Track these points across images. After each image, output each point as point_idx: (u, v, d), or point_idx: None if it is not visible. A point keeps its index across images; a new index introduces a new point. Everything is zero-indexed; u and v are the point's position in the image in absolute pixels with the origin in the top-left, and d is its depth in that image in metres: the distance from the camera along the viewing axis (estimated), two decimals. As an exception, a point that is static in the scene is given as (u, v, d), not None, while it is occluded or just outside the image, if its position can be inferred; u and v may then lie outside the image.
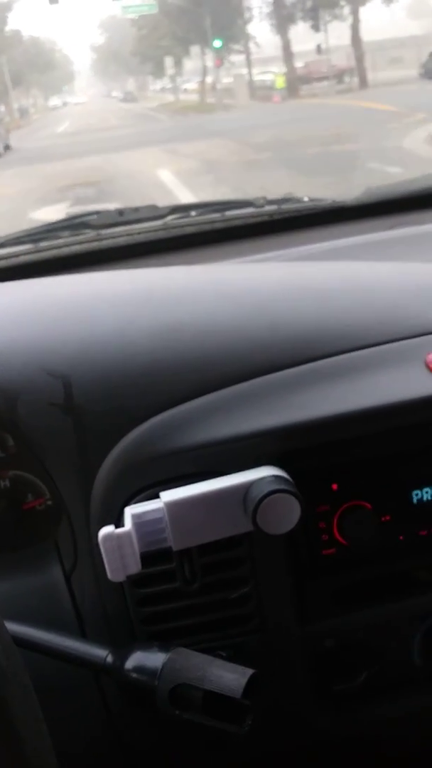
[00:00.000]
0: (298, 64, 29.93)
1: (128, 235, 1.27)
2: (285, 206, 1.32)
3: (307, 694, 0.76)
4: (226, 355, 0.73)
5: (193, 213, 1.32)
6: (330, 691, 0.76)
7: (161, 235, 1.27)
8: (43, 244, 1.25)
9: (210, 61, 32.14)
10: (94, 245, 1.24)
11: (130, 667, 0.64)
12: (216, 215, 1.31)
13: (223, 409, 0.70)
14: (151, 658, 0.63)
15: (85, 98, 74.37)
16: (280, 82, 27.29)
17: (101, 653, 0.65)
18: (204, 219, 1.31)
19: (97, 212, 1.35)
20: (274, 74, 29.02)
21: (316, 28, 29.38)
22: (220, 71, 29.31)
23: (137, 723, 0.74)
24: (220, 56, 30.01)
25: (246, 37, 32.42)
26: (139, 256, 1.22)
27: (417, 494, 0.73)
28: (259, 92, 28.65)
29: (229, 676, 0.60)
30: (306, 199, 1.36)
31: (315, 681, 0.76)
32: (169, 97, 40.80)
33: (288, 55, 28.30)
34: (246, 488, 0.65)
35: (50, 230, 1.30)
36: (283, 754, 0.78)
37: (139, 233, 1.27)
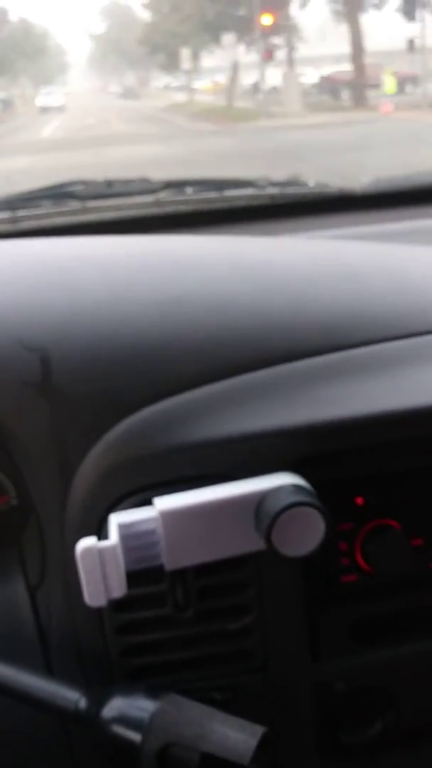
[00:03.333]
0: (337, 68, 25.90)
1: (117, 209, 1.17)
2: (289, 189, 1.24)
3: (312, 745, 0.64)
4: (239, 337, 0.62)
5: (188, 190, 1.23)
6: (338, 744, 0.65)
7: (153, 211, 1.18)
8: (22, 213, 1.14)
9: (240, 54, 26.82)
10: (79, 218, 1.14)
11: (108, 717, 0.51)
12: (213, 194, 1.21)
13: (234, 402, 0.59)
14: (136, 707, 0.51)
15: (70, 89, 72.97)
16: (392, 85, 20.31)
17: (72, 696, 0.53)
18: (200, 197, 1.21)
19: (84, 182, 1.24)
20: (385, 72, 21.60)
21: (409, 15, 21.37)
22: (264, 66, 21.88)
23: None
24: (269, 47, 22.82)
25: (290, 29, 24.35)
26: (127, 232, 1.12)
27: None
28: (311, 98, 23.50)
29: (235, 736, 0.48)
30: (311, 183, 1.27)
31: (322, 731, 0.64)
32: (178, 97, 36.83)
33: (358, 52, 21.59)
34: (259, 498, 0.54)
35: (30, 198, 1.19)
36: None
37: (128, 208, 1.17)
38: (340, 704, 0.64)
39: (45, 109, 31.90)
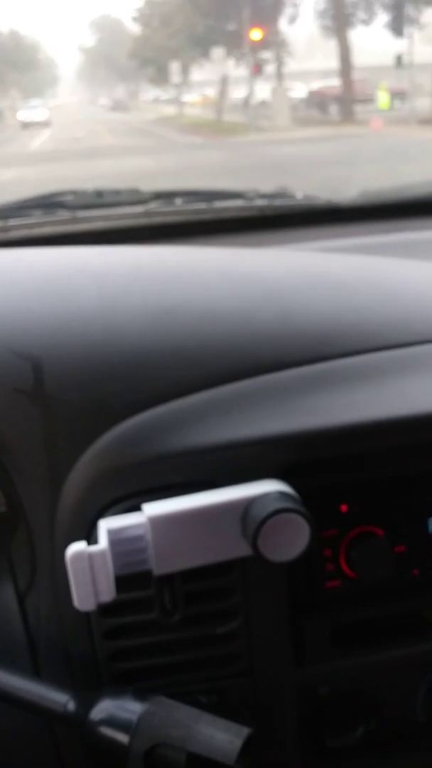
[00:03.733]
0: (325, 83, 25.51)
1: (106, 219, 1.18)
2: (277, 201, 1.25)
3: (295, 748, 0.65)
4: (227, 346, 0.63)
5: (178, 201, 1.24)
6: (321, 747, 0.65)
7: (142, 222, 1.18)
8: (12, 222, 1.14)
9: (229, 68, 26.75)
10: (69, 228, 1.15)
11: (96, 719, 0.52)
12: (202, 205, 1.22)
13: (221, 410, 0.60)
14: (124, 709, 0.52)
15: (60, 102, 72.03)
16: (385, 101, 19.61)
17: (61, 698, 0.54)
18: (189, 208, 1.23)
19: (74, 192, 1.25)
20: (379, 88, 20.90)
21: (397, 31, 21.08)
22: (253, 81, 22.33)
23: None
24: (258, 61, 23.27)
25: (279, 44, 25.29)
26: (117, 242, 1.13)
27: None
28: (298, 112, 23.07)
29: (221, 737, 0.49)
30: (299, 195, 1.29)
31: (306, 734, 0.65)
32: (168, 110, 36.70)
33: (346, 67, 21.66)
34: (245, 505, 0.55)
35: (20, 207, 1.20)
36: None
37: (118, 218, 1.18)
38: (324, 708, 0.65)
39: (27, 125, 29.98)
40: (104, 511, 0.57)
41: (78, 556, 0.52)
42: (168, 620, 0.59)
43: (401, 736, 0.67)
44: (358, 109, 21.86)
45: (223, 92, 26.32)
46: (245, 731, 0.50)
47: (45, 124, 30.01)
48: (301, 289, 0.72)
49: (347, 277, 0.76)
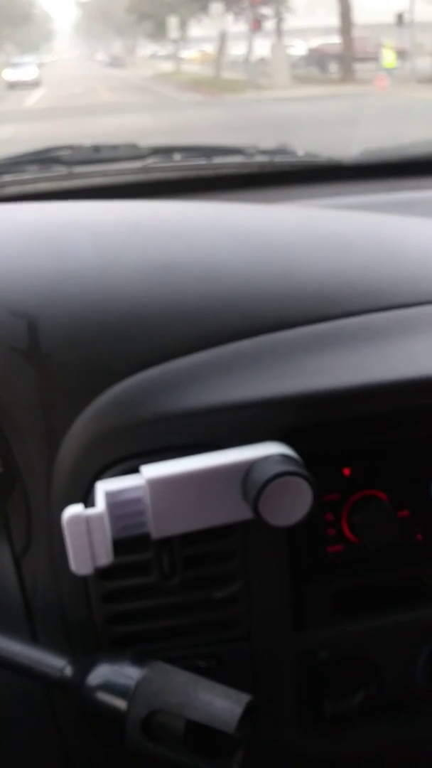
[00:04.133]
0: (325, 40, 24.56)
1: (104, 175, 1.14)
2: (278, 158, 1.21)
3: (294, 714, 0.64)
4: (228, 305, 0.61)
5: (176, 156, 1.21)
6: (320, 712, 0.65)
7: (141, 177, 1.15)
8: (7, 177, 1.11)
9: (228, 24, 25.42)
10: (65, 183, 1.12)
11: (93, 684, 0.51)
12: (202, 161, 1.19)
13: (222, 370, 0.58)
14: (122, 674, 0.51)
15: (55, 57, 70.22)
16: (391, 59, 17.41)
17: (58, 663, 0.53)
18: (188, 164, 1.19)
19: (71, 147, 1.21)
20: (385, 46, 18.42)
21: None
22: (252, 37, 21.25)
23: (97, 754, 0.62)
24: (258, 17, 22.08)
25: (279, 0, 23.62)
26: (114, 198, 1.11)
27: None
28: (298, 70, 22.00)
29: (221, 704, 0.48)
30: (300, 152, 1.26)
31: (305, 699, 0.64)
32: (165, 66, 35.35)
33: (347, 24, 20.48)
34: (247, 468, 0.53)
35: (15, 163, 1.16)
36: None
37: (116, 174, 1.15)
38: (323, 673, 0.64)
39: (14, 85, 27.01)
40: (101, 473, 0.56)
41: (75, 519, 0.51)
42: (166, 584, 0.58)
43: (401, 701, 0.67)
44: (359, 67, 21.44)
45: (221, 49, 25.71)
46: (245, 698, 0.49)
47: (34, 84, 27.68)
48: (304, 246, 0.69)
49: (351, 235, 0.74)
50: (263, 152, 1.23)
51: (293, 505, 0.52)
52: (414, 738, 0.68)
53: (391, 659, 0.65)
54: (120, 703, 0.49)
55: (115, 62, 47.62)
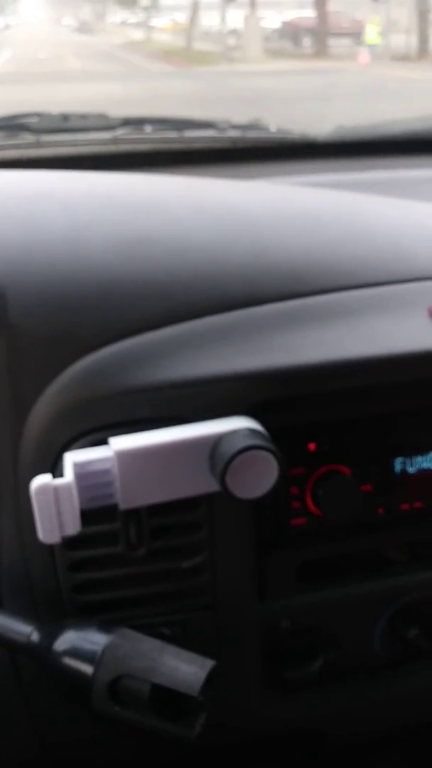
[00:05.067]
0: (299, 13, 24.39)
1: (72, 144, 1.13)
2: (250, 133, 1.21)
3: (257, 680, 0.66)
4: (199, 280, 0.61)
5: (147, 128, 1.19)
6: (280, 679, 0.67)
7: (110, 149, 1.14)
8: None
9: None
10: (32, 152, 1.10)
11: (60, 650, 0.52)
12: (173, 133, 1.18)
13: (192, 345, 0.58)
14: (88, 640, 0.52)
15: (20, 19, 68.22)
16: (374, 35, 16.81)
17: (24, 629, 0.54)
18: (159, 137, 1.18)
19: (39, 114, 1.19)
20: (370, 21, 17.75)
21: None
22: (225, 8, 20.07)
23: (63, 720, 0.63)
24: None
25: None
26: (83, 169, 1.09)
27: (402, 463, 0.64)
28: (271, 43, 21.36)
29: (185, 668, 0.49)
30: (273, 128, 1.25)
31: (266, 666, 0.66)
32: (136, 34, 34.53)
33: None
34: (215, 441, 0.54)
35: None
36: (222, 749, 0.69)
37: (85, 144, 1.13)
38: (285, 641, 0.66)
39: None
40: (70, 445, 0.56)
41: (43, 488, 0.51)
42: (133, 554, 0.59)
43: (359, 667, 0.69)
44: (333, 42, 21.28)
45: (193, 18, 25.20)
46: (209, 663, 0.50)
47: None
48: (276, 223, 0.70)
49: (322, 213, 0.74)
50: (235, 127, 1.22)
51: (259, 478, 0.53)
52: (371, 702, 0.70)
53: (350, 628, 0.67)
54: (86, 668, 0.50)
55: (83, 28, 46.38)
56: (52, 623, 0.55)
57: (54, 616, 0.59)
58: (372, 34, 17.14)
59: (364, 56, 16.34)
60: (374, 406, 0.62)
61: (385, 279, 0.65)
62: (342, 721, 0.71)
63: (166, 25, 35.50)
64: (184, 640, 0.60)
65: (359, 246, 0.68)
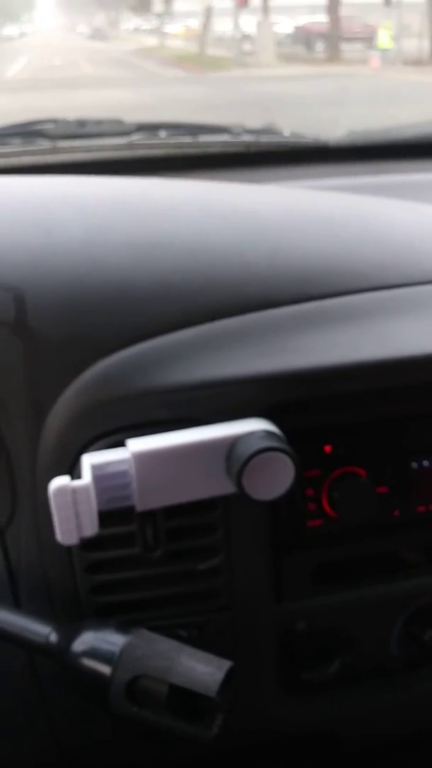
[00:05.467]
0: (312, 19, 24.55)
1: (88, 150, 1.14)
2: (264, 138, 1.22)
3: (273, 682, 0.66)
4: (215, 283, 0.61)
5: (162, 133, 1.20)
6: (297, 681, 0.67)
7: (125, 154, 1.15)
8: None
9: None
10: (48, 158, 1.11)
11: (78, 650, 0.52)
12: (187, 138, 1.19)
13: (208, 347, 0.59)
14: (107, 641, 0.52)
15: (36, 27, 69.33)
16: (387, 40, 16.70)
17: (43, 630, 0.54)
18: (173, 141, 1.19)
19: (55, 120, 1.20)
20: (383, 26, 17.68)
21: None
22: (238, 13, 20.13)
23: (80, 721, 0.63)
24: None
25: None
26: (99, 174, 1.10)
27: (417, 465, 0.64)
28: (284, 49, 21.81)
29: (203, 669, 0.50)
30: (287, 132, 1.26)
31: (282, 668, 0.66)
32: (149, 40, 34.97)
33: (334, 3, 20.05)
34: (231, 443, 0.54)
35: None
36: (236, 751, 0.69)
37: (100, 149, 1.14)
38: (301, 643, 0.66)
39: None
40: (87, 447, 0.57)
41: (61, 490, 0.51)
42: (150, 555, 0.59)
43: (376, 670, 0.69)
44: (345, 47, 21.30)
45: (206, 24, 25.31)
46: (227, 664, 0.51)
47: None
48: (291, 226, 0.70)
49: (337, 216, 0.75)
50: (249, 131, 1.22)
51: (275, 480, 0.53)
52: (387, 705, 0.70)
53: (366, 630, 0.67)
54: (104, 669, 0.51)
55: (97, 35, 46.73)
56: (69, 624, 0.55)
57: (71, 618, 0.59)
58: (384, 38, 17.14)
59: (374, 60, 16.48)
60: (389, 408, 0.62)
61: (399, 281, 0.65)
62: (357, 723, 0.70)
63: (179, 31, 35.68)
64: (201, 641, 0.60)
65: (374, 249, 0.68)
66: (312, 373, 0.58)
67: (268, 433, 0.54)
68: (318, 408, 0.60)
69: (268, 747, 0.72)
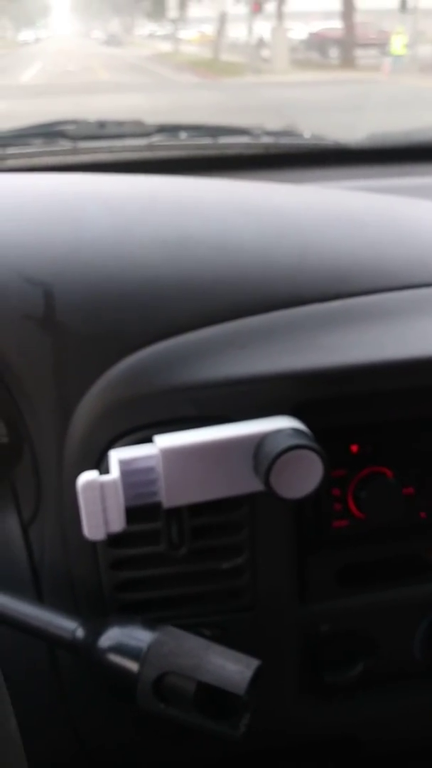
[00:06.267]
0: (326, 25, 24.57)
1: (109, 151, 1.14)
2: (283, 140, 1.22)
3: (295, 684, 0.66)
4: (243, 280, 0.61)
5: (182, 135, 1.20)
6: (320, 683, 0.66)
7: (146, 155, 1.15)
8: (11, 150, 1.11)
9: (228, 5, 25.27)
10: (70, 158, 1.11)
11: (105, 646, 0.52)
12: (207, 140, 1.19)
13: (236, 344, 0.59)
14: (134, 637, 0.52)
15: (51, 32, 70.24)
16: (400, 46, 16.46)
17: (69, 625, 0.54)
18: (194, 143, 1.19)
19: (76, 121, 1.21)
20: (395, 32, 17.52)
21: None
22: (253, 19, 20.86)
23: (102, 719, 0.63)
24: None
25: None
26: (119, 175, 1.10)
27: None
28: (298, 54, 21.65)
29: (231, 667, 0.49)
30: (307, 134, 1.26)
31: (305, 670, 0.66)
32: (163, 46, 34.89)
33: (349, 9, 20.10)
34: (258, 440, 0.54)
35: (19, 135, 1.16)
36: (257, 753, 0.68)
37: (121, 150, 1.14)
38: (324, 645, 0.65)
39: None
40: (114, 442, 0.57)
41: (90, 484, 0.51)
42: (174, 553, 0.59)
43: (398, 674, 0.68)
44: (359, 53, 21.34)
45: (220, 30, 25.48)
46: (255, 663, 0.50)
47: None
48: (319, 225, 0.70)
49: (364, 215, 0.74)
50: (269, 133, 1.22)
51: (303, 478, 0.53)
52: (408, 711, 0.70)
53: (390, 634, 0.67)
54: (132, 665, 0.50)
55: (111, 40, 47.05)
56: (95, 620, 0.55)
57: (95, 615, 0.59)
58: (398, 44, 17.14)
59: (386, 66, 16.47)
60: (418, 408, 0.61)
61: (426, 281, 0.64)
62: (378, 728, 0.70)
63: (193, 37, 35.87)
64: (224, 641, 0.59)
65: (401, 248, 0.68)
66: (340, 371, 0.58)
67: (297, 431, 0.54)
68: (345, 407, 0.60)
69: (287, 751, 0.71)
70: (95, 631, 0.53)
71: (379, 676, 0.68)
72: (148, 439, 0.55)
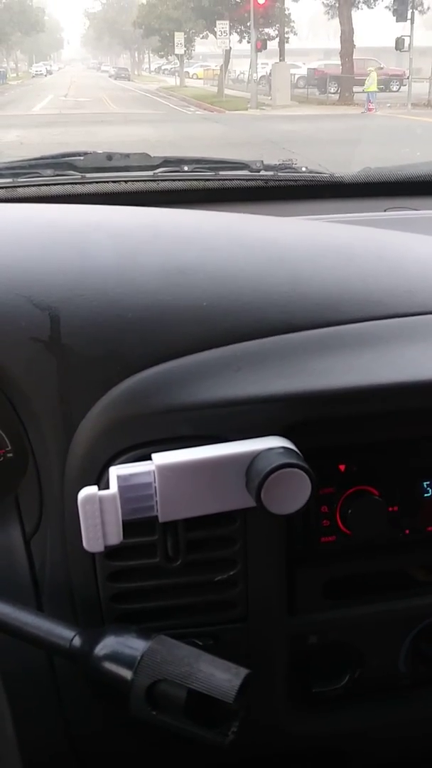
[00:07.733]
0: (326, 63, 25.63)
1: (115, 181, 1.19)
2: (282, 174, 1.27)
3: (284, 694, 0.68)
4: (239, 307, 0.65)
5: (185, 168, 1.25)
6: (308, 693, 0.68)
7: (150, 186, 1.20)
8: (23, 179, 1.16)
9: (233, 43, 26.01)
10: (78, 188, 1.16)
11: (101, 654, 0.54)
12: (209, 173, 1.24)
13: (232, 368, 0.62)
14: (128, 646, 0.54)
15: (63, 65, 71.84)
16: (373, 83, 17.88)
17: (67, 634, 0.56)
18: (196, 176, 1.24)
19: (84, 153, 1.27)
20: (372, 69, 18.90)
21: (401, 14, 20.23)
22: (256, 56, 21.32)
23: (97, 725, 0.65)
24: (262, 36, 22.78)
25: (282, 18, 24.35)
26: (125, 205, 1.15)
27: (428, 485, 0.66)
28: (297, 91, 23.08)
29: (221, 676, 0.52)
30: (304, 169, 1.31)
31: (293, 681, 0.68)
32: (170, 80, 36.42)
33: (348, 48, 21.86)
34: (250, 459, 0.57)
35: (30, 166, 1.21)
36: (245, 763, 0.70)
37: (126, 181, 1.19)
38: (312, 656, 0.68)
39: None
40: (114, 459, 0.60)
41: (89, 498, 0.54)
42: (170, 565, 0.62)
43: (384, 686, 0.70)
44: (357, 89, 21.84)
45: (225, 66, 26.13)
46: (244, 672, 0.52)
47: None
48: (311, 255, 0.73)
49: (354, 247, 0.78)
50: (268, 167, 1.27)
51: (293, 495, 0.56)
52: (394, 723, 0.72)
53: (376, 646, 0.69)
54: (125, 673, 0.53)
55: (120, 74, 48.33)
56: (92, 629, 0.57)
57: (92, 624, 0.62)
58: (370, 82, 18.11)
59: (370, 104, 17.50)
60: (402, 430, 0.64)
61: (413, 310, 0.68)
62: (364, 740, 0.72)
63: (199, 71, 36.68)
64: (216, 651, 0.62)
65: (389, 278, 0.71)
66: (329, 395, 0.61)
67: (287, 450, 0.57)
68: (334, 428, 0.63)
69: (277, 760, 0.73)
70: (92, 639, 0.55)
71: (365, 689, 0.70)
72: (147, 457, 0.58)
